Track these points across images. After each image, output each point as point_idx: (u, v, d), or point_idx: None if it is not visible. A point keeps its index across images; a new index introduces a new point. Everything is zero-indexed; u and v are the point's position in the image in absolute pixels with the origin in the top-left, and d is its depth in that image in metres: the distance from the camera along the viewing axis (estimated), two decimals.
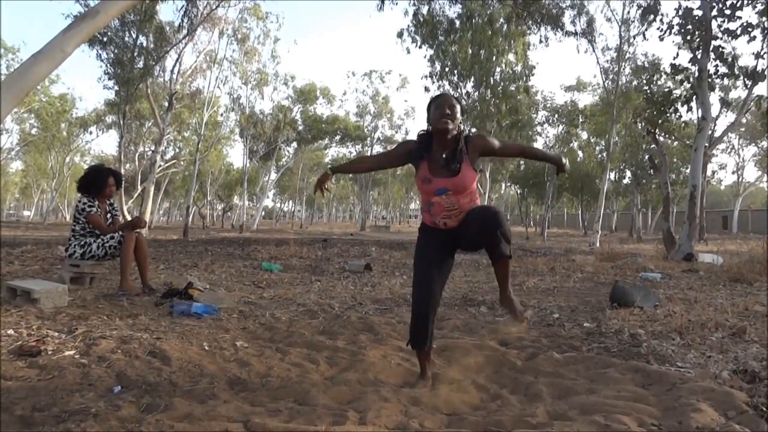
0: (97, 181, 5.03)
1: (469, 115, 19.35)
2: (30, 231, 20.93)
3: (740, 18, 11.02)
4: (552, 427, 2.00)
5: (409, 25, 18.85)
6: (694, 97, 12.00)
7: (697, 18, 11.33)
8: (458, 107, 2.52)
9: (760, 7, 11.10)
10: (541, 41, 18.21)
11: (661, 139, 15.46)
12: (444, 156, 2.48)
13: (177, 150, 32.66)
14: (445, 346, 3.39)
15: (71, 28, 3.75)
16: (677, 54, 13.41)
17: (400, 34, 19.39)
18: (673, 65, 12.26)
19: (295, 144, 36.61)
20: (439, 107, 2.49)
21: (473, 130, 18.67)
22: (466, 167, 2.47)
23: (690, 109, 13.03)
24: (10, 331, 3.14)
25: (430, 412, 2.23)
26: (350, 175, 47.59)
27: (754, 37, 11.21)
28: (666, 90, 14.14)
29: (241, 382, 2.59)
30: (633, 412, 2.12)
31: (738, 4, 10.88)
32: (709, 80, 11.33)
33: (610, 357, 3.08)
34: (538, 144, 33.12)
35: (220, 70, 23.60)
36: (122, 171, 17.29)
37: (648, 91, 14.21)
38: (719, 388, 2.38)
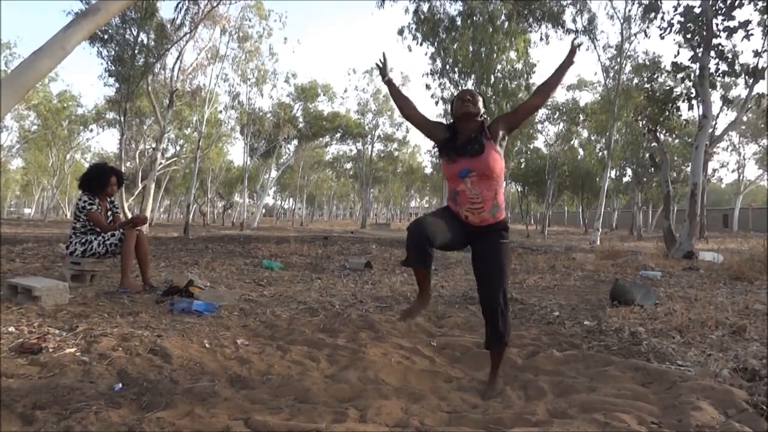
0: (100, 179, 5.03)
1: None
2: (31, 228, 20.94)
3: (734, 17, 10.98)
4: (552, 425, 2.00)
5: (410, 23, 18.82)
6: (695, 95, 11.98)
7: (697, 16, 11.31)
8: (479, 97, 2.65)
9: (761, 4, 11.07)
10: (542, 39, 18.16)
11: (662, 137, 15.41)
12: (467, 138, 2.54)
13: (178, 147, 32.64)
14: (446, 343, 3.39)
15: (72, 25, 3.74)
16: (678, 52, 13.38)
17: (401, 32, 19.33)
18: (674, 63, 12.24)
19: (295, 141, 36.56)
20: (460, 96, 2.63)
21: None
22: (489, 147, 2.48)
23: (691, 107, 13.02)
24: (11, 329, 3.14)
25: (431, 410, 2.23)
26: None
27: (752, 34, 11.17)
28: (667, 88, 14.12)
29: (242, 379, 2.59)
30: (633, 411, 2.12)
31: (736, 3, 10.85)
32: (710, 78, 11.31)
33: (610, 355, 3.09)
34: (539, 142, 33.12)
35: (221, 68, 23.58)
36: (123, 169, 17.31)
37: (649, 89, 14.18)
38: (719, 386, 2.39)
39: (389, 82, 2.87)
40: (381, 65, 2.89)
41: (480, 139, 2.50)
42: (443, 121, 2.85)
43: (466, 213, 2.50)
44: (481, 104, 2.62)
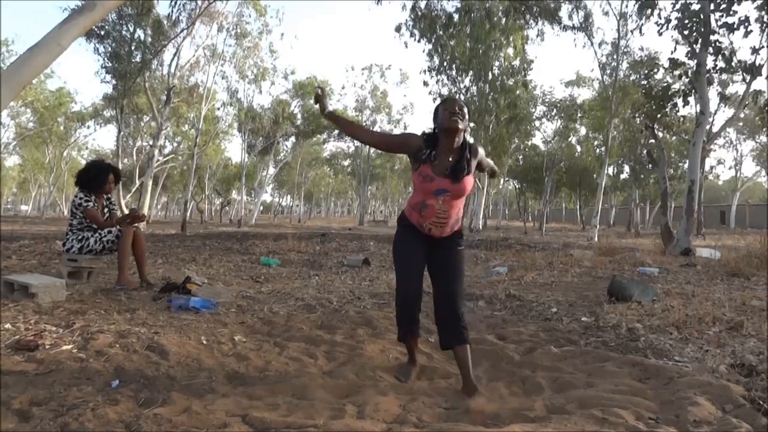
0: (98, 177, 5.01)
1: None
2: (27, 225, 20.87)
3: (736, 12, 10.95)
4: (550, 421, 2.00)
5: (407, 20, 18.81)
6: (693, 91, 11.98)
7: (695, 12, 11.29)
8: (466, 109, 2.54)
9: (759, 1, 11.06)
10: (538, 35, 18.17)
11: (660, 133, 15.43)
12: (450, 159, 2.48)
13: (175, 144, 32.57)
14: None
15: (68, 21, 3.72)
16: (675, 48, 13.37)
17: (398, 29, 19.33)
18: (671, 59, 12.24)
19: (293, 138, 36.51)
20: (448, 108, 2.50)
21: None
22: (468, 174, 2.51)
23: (688, 103, 13.03)
24: (8, 326, 3.13)
25: (428, 406, 2.23)
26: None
27: (751, 31, 11.16)
28: (664, 85, 14.12)
29: (240, 376, 2.59)
30: (630, 406, 2.12)
31: None
32: (708, 75, 11.31)
33: (607, 351, 3.09)
34: (536, 139, 33.17)
35: (218, 64, 23.50)
36: (120, 165, 17.26)
37: (646, 86, 14.18)
38: (716, 381, 2.39)
39: (330, 115, 2.75)
40: (320, 97, 2.68)
41: (467, 166, 2.48)
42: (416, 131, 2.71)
43: (430, 226, 2.52)
44: (467, 117, 2.53)
